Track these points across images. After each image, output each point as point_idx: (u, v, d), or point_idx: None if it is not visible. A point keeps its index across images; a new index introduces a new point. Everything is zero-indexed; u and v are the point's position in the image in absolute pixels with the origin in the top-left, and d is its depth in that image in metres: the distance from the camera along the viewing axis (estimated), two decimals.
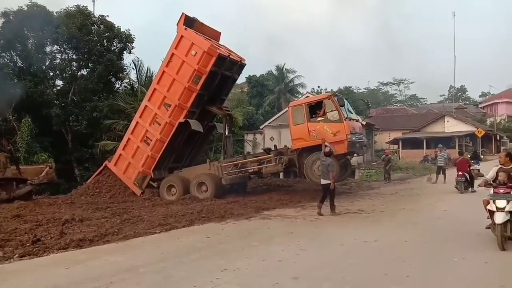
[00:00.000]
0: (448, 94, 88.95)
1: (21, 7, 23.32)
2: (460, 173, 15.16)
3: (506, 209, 6.65)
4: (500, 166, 7.37)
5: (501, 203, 6.71)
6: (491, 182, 7.23)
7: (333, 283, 5.29)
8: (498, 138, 50.65)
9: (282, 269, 5.93)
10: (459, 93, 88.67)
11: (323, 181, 10.92)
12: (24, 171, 15.83)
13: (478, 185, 7.73)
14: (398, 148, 43.76)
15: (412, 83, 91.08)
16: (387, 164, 21.63)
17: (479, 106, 73.54)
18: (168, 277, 5.68)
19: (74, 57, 24.83)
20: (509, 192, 6.82)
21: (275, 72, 46.31)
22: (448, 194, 14.95)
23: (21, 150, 20.80)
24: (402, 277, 5.45)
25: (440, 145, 21.47)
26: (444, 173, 18.79)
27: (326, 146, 11.79)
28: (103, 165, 16.16)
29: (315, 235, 8.49)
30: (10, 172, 15.40)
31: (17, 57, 24.02)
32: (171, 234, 8.84)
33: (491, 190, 7.04)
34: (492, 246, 6.85)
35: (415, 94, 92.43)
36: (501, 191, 6.88)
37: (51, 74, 25.27)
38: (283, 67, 45.58)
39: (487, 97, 78.55)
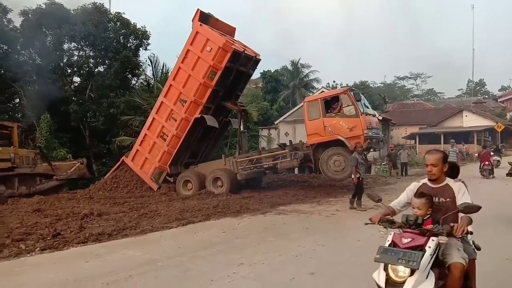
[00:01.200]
0: (467, 88, 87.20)
1: (40, 5, 23.74)
2: (486, 162, 18.52)
3: (408, 285, 3.01)
4: (422, 183, 3.74)
5: (399, 270, 3.08)
6: (394, 217, 3.62)
7: (350, 279, 5.26)
8: None
9: (298, 264, 5.93)
10: (478, 87, 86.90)
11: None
12: (59, 167, 16.55)
13: (365, 224, 3.80)
14: (415, 143, 43.20)
15: (429, 77, 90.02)
16: (395, 158, 21.89)
17: (499, 100, 71.91)
18: (185, 271, 5.74)
19: (91, 54, 25.15)
20: (422, 246, 3.13)
21: (289, 67, 46.06)
22: None
23: (40, 145, 21.26)
24: None
25: (452, 141, 21.80)
26: None
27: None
28: (121, 160, 16.40)
29: (331, 230, 8.46)
30: (41, 168, 16.03)
31: (35, 55, 24.44)
32: (187, 228, 8.94)
33: (389, 236, 3.37)
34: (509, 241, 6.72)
35: (433, 89, 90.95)
36: (405, 241, 3.19)
37: (69, 71, 25.66)
38: (297, 62, 45.33)
39: (507, 91, 76.78)
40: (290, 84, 43.59)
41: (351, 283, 5.11)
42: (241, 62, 14.78)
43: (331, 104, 13.63)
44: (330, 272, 5.56)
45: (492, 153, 20.20)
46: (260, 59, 15.89)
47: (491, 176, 18.16)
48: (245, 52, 14.86)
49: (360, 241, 7.24)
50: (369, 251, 6.53)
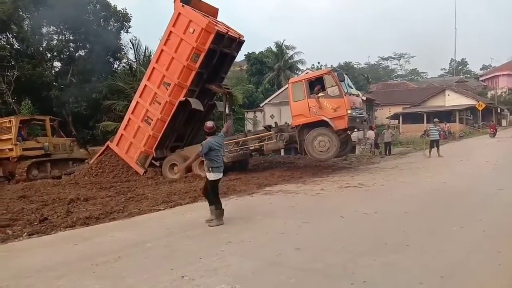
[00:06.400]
0: (449, 67, 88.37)
1: None
2: (492, 130, 32.40)
3: None
4: None
5: None
6: None
7: (335, 252, 5.44)
8: (498, 111, 50.54)
9: (284, 240, 6.07)
10: (460, 67, 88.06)
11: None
12: (97, 151, 17.86)
13: None
14: (399, 123, 43.78)
15: (412, 57, 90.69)
16: (376, 138, 22.31)
17: (480, 79, 73.03)
18: (174, 250, 5.84)
19: (71, 38, 24.67)
20: None
21: (274, 49, 45.82)
22: (446, 167, 15.09)
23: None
24: (402, 246, 5.58)
25: (436, 119, 22.15)
26: (437, 146, 18.94)
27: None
28: (105, 145, 16.29)
29: (316, 208, 8.64)
30: (78, 154, 18.63)
31: (13, 39, 23.82)
32: (175, 210, 9.01)
33: None
34: (490, 215, 7.00)
35: (416, 69, 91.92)
36: None
37: (49, 55, 25.15)
38: (282, 44, 45.13)
39: (488, 70, 77.99)
40: (275, 66, 43.46)
41: (334, 256, 5.28)
42: (224, 44, 14.68)
43: (315, 85, 13.71)
44: (315, 246, 5.72)
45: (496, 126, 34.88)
46: (244, 41, 15.80)
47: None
48: (229, 33, 14.75)
49: (344, 217, 7.43)
50: (353, 226, 6.77)
